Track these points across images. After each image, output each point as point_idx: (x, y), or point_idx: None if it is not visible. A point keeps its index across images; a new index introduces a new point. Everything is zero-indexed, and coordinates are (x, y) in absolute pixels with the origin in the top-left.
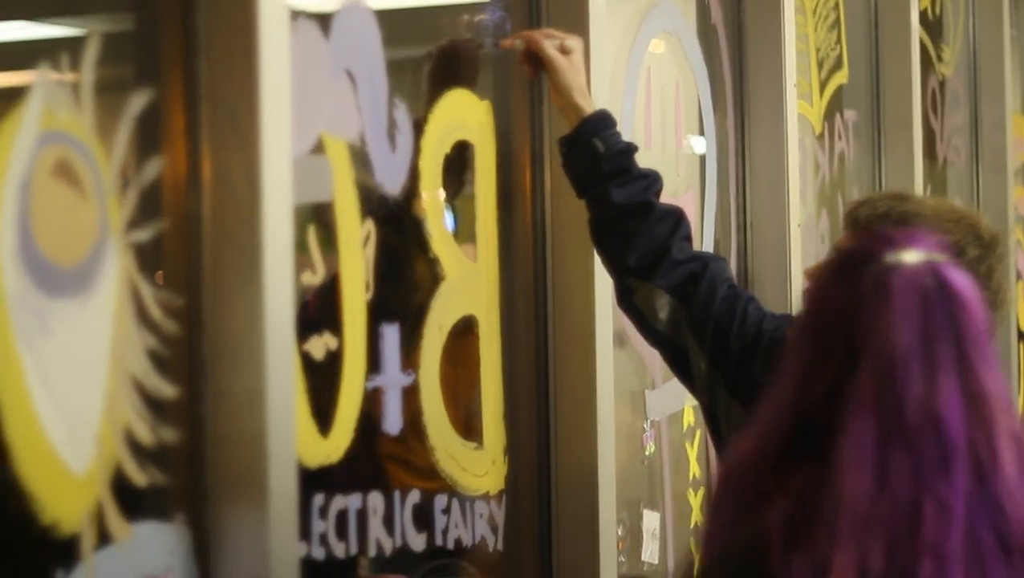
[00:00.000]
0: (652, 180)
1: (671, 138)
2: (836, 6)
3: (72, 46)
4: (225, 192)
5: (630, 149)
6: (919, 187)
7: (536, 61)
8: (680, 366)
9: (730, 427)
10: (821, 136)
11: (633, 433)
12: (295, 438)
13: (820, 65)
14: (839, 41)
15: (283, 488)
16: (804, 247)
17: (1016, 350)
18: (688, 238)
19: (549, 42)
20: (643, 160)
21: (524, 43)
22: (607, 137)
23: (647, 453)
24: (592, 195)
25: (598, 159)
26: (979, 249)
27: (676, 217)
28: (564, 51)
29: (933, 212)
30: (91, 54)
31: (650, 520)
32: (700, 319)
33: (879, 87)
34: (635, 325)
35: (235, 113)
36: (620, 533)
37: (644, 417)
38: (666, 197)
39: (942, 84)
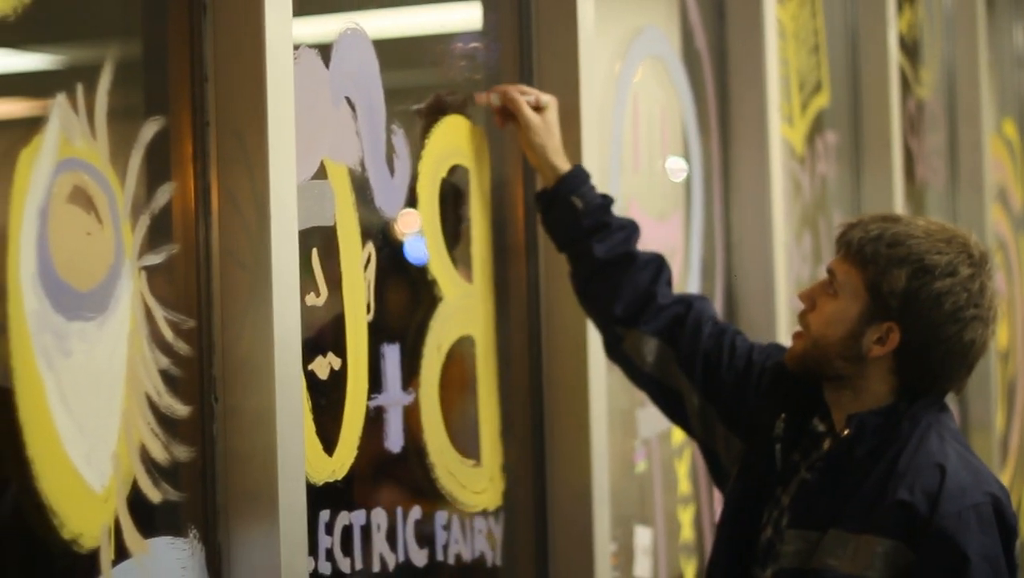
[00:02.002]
0: (631, 230)
1: (657, 161)
2: (816, 31)
3: (86, 76)
4: (234, 216)
5: (607, 203)
6: (899, 207)
7: (509, 116)
8: (673, 408)
9: (731, 460)
10: (803, 158)
11: (624, 451)
12: (304, 455)
13: (801, 88)
14: (819, 65)
15: (293, 504)
16: (788, 267)
17: (994, 368)
18: (669, 283)
19: (524, 99)
20: (630, 183)
21: (499, 98)
22: (584, 193)
23: (638, 470)
24: (573, 251)
25: (577, 216)
26: (971, 268)
27: (658, 264)
28: (538, 107)
29: (924, 233)
30: (104, 84)
31: (642, 536)
32: (689, 357)
33: (859, 109)
34: (625, 373)
35: (242, 139)
36: (614, 549)
37: (635, 435)
38: (653, 219)
39: (920, 106)
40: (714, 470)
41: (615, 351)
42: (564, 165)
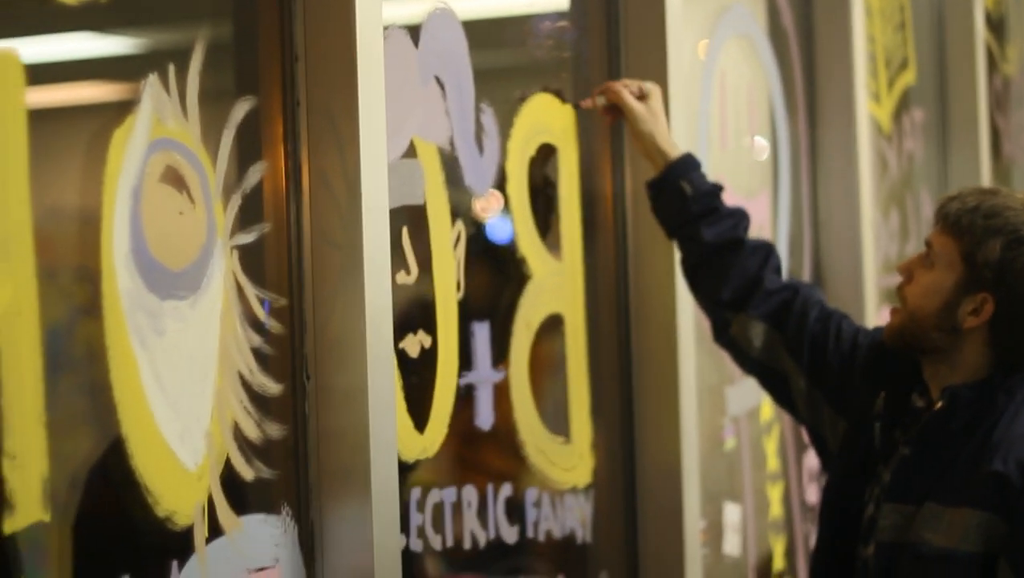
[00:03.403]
0: (740, 217)
1: (745, 139)
2: (902, 7)
3: (177, 57)
4: (324, 195)
5: (716, 189)
6: (986, 184)
7: (616, 110)
8: (779, 392)
9: (838, 444)
10: (890, 135)
11: (713, 428)
12: (395, 432)
13: (887, 65)
14: (905, 41)
15: (385, 481)
16: (876, 244)
17: None
18: (778, 270)
19: (626, 91)
20: (718, 162)
21: (605, 98)
22: (694, 179)
23: (727, 448)
24: (682, 236)
25: (686, 201)
26: None
27: (766, 250)
28: (642, 96)
29: (1022, 205)
30: (196, 65)
31: (731, 513)
32: (795, 341)
33: (945, 86)
34: (732, 358)
35: (333, 118)
36: (703, 526)
37: (724, 412)
38: (740, 198)
39: (1006, 83)
40: (821, 452)
41: (723, 336)
42: (673, 151)
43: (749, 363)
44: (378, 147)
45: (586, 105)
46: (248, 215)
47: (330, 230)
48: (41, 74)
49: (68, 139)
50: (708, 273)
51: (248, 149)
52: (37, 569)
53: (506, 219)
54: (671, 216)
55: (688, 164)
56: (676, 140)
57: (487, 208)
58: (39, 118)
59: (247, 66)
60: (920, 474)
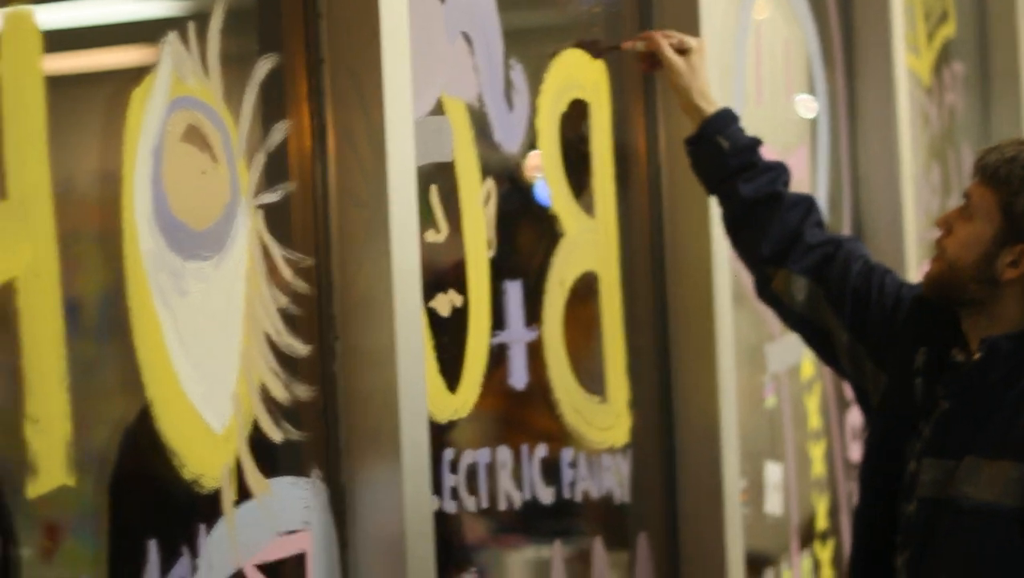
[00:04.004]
0: (779, 171)
1: (781, 94)
2: None
3: (198, 15)
4: (350, 153)
5: (754, 143)
6: None
7: (653, 60)
8: (822, 346)
9: (880, 399)
10: (930, 89)
11: (753, 386)
12: (426, 393)
13: (927, 18)
14: None
15: (415, 442)
16: (916, 199)
17: None
18: (820, 224)
19: (667, 42)
20: (754, 118)
21: (645, 44)
22: (731, 133)
23: (767, 405)
24: (721, 191)
25: (723, 156)
26: None
27: (807, 204)
28: (683, 49)
29: None
30: (216, 22)
31: (772, 472)
32: (837, 294)
33: (986, 39)
34: (775, 313)
35: (357, 76)
36: (743, 485)
37: (764, 370)
38: (777, 153)
39: None
40: (865, 408)
41: (764, 291)
42: (709, 107)
43: (792, 318)
44: (403, 104)
45: (626, 47)
46: (273, 174)
47: (355, 189)
48: (58, 36)
49: (86, 100)
50: (748, 228)
51: (272, 107)
52: (62, 533)
53: (538, 175)
54: (709, 172)
55: (725, 119)
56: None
57: (536, 167)
58: (56, 78)
59: (270, 24)
60: (959, 428)
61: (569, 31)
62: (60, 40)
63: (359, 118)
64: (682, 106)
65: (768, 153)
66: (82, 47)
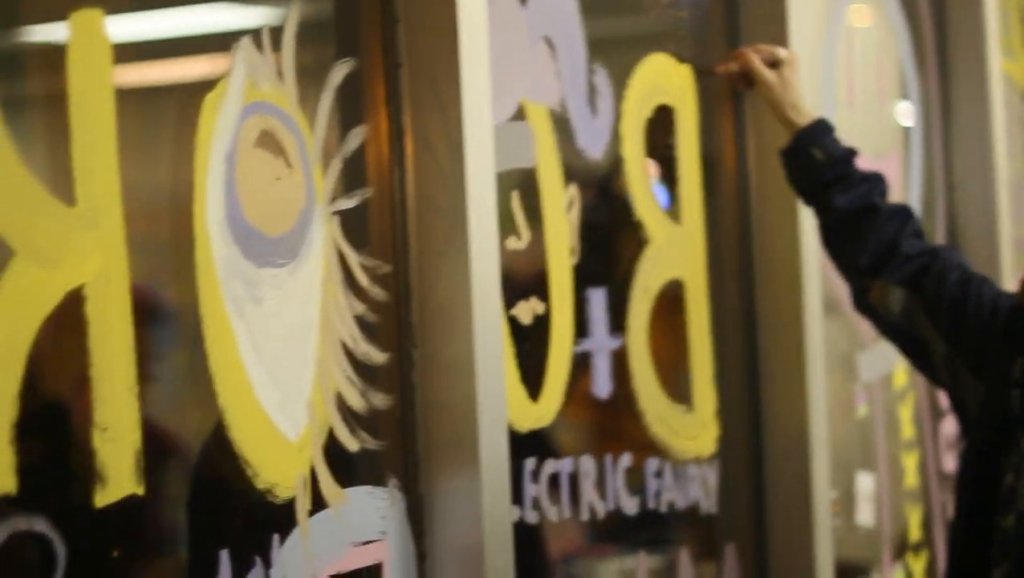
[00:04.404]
0: (875, 182)
1: (874, 99)
2: None
3: (273, 19)
4: (428, 159)
5: (850, 154)
6: None
7: (748, 78)
8: (919, 358)
9: (977, 410)
10: None
11: (845, 395)
12: (505, 402)
13: (1022, 21)
14: None
15: (495, 452)
16: (1012, 206)
17: None
18: (918, 234)
19: (758, 57)
20: (846, 121)
21: (738, 64)
22: (826, 145)
23: (859, 415)
24: (817, 203)
25: (818, 167)
26: None
27: (904, 215)
28: (774, 63)
29: None
30: (291, 26)
31: (864, 482)
32: (934, 305)
33: None
34: (872, 324)
35: (435, 80)
36: (834, 496)
37: (855, 379)
38: (868, 158)
39: None
40: (962, 418)
41: (861, 302)
42: (801, 119)
43: (889, 329)
44: (482, 109)
45: (720, 71)
46: (350, 179)
47: (434, 194)
48: (130, 42)
49: (157, 106)
50: (845, 240)
51: (348, 112)
52: (130, 544)
53: (624, 181)
54: (804, 184)
55: (820, 130)
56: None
57: (653, 175)
58: (126, 84)
59: (346, 28)
60: None
61: (654, 34)
62: (131, 51)
63: (437, 123)
64: (776, 118)
65: (860, 160)
66: (153, 57)
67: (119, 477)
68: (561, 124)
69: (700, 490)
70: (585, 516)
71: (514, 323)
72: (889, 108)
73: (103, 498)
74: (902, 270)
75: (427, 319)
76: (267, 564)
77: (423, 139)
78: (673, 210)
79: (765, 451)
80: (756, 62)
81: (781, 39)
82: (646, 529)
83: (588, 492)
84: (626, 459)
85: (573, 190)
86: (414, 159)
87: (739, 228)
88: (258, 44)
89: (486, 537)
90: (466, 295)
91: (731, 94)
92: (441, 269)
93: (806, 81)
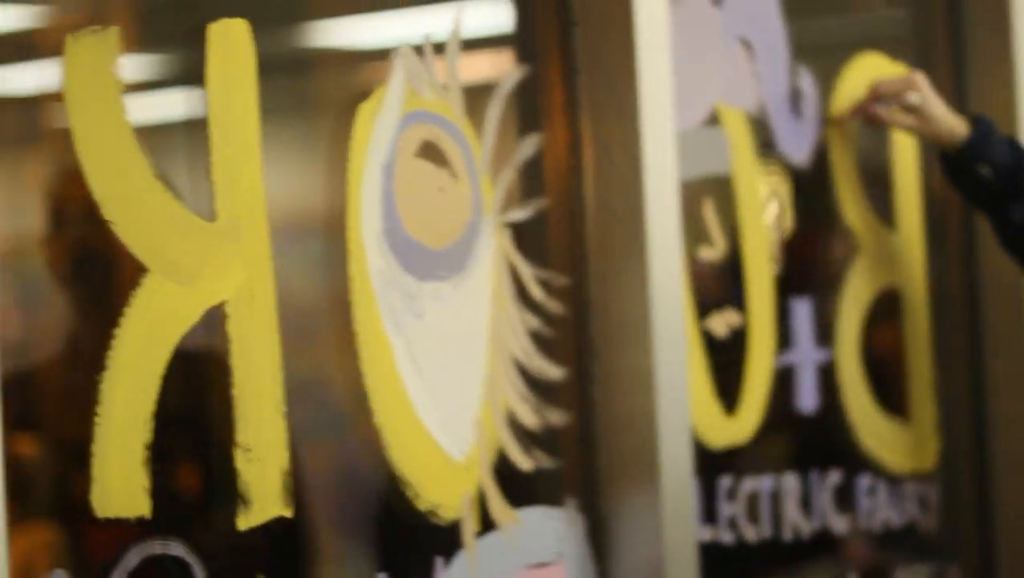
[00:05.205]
0: None
1: None
2: None
3: (435, 24)
4: (607, 167)
5: (1019, 165)
6: None
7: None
8: None
9: None
10: None
11: None
12: (689, 418)
13: None
14: None
15: (677, 469)
16: None
17: None
18: None
19: (889, 114)
20: None
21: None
22: (991, 156)
23: None
24: (991, 215)
25: (986, 183)
26: None
27: None
28: (908, 108)
29: None
30: (457, 34)
31: None
32: None
33: None
34: None
35: (614, 86)
36: None
37: None
38: None
39: None
40: None
41: None
42: (957, 134)
43: None
44: (663, 114)
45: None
46: (524, 189)
47: (614, 204)
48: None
49: (306, 115)
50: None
51: (522, 120)
52: (277, 568)
53: (830, 187)
54: (972, 197)
55: (981, 141)
56: None
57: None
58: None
59: (519, 32)
60: None
61: (869, 40)
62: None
63: (615, 130)
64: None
65: None
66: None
67: (264, 499)
68: (761, 128)
69: (918, 508)
70: (787, 536)
71: (707, 336)
72: None
73: (246, 521)
74: None
75: (607, 332)
76: None
77: (602, 146)
78: (886, 216)
79: (991, 466)
80: (886, 118)
81: (1003, 33)
82: (858, 549)
83: (791, 511)
84: (835, 476)
85: (774, 196)
86: (592, 167)
87: (963, 235)
88: (419, 51)
89: (667, 557)
90: (646, 306)
91: (952, 91)
92: (621, 280)
93: None
